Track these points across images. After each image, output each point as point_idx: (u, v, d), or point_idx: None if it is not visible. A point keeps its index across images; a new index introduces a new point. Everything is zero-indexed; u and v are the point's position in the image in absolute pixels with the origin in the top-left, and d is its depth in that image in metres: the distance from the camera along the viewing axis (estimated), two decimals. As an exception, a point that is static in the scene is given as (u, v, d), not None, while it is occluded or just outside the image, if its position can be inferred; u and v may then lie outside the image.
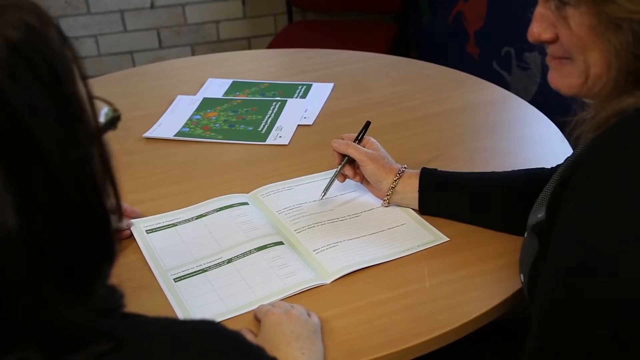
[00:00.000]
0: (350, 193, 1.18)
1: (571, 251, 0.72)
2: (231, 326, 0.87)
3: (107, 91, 0.58)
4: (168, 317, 0.60)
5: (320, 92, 1.58)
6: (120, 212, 0.57)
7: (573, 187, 0.73)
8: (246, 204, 1.16)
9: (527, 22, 0.82)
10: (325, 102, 1.54)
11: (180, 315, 0.92)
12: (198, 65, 1.84)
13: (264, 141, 1.38)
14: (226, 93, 1.61)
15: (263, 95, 1.59)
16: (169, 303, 0.95)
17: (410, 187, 1.10)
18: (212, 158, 1.34)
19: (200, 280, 0.98)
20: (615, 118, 0.73)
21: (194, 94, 1.60)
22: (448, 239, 1.05)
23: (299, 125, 1.44)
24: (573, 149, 1.12)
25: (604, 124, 0.74)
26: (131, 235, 1.09)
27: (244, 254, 1.03)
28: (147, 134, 1.42)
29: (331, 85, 1.61)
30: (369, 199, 1.15)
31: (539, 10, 0.79)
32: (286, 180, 1.22)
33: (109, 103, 0.59)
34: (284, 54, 2.00)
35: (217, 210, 1.14)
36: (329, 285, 0.97)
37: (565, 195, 0.74)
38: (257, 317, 0.90)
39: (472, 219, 1.07)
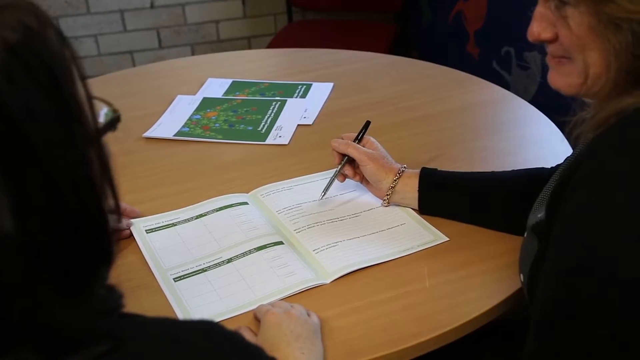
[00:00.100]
0: (350, 193, 1.18)
1: (571, 251, 0.72)
2: (231, 326, 0.87)
3: (106, 91, 0.58)
4: (167, 317, 0.60)
5: (320, 91, 1.58)
6: (119, 214, 0.57)
7: (573, 187, 0.73)
8: (246, 203, 1.16)
9: (527, 21, 0.82)
10: (325, 101, 1.54)
11: (180, 315, 0.92)
12: (198, 65, 1.84)
13: (264, 141, 1.38)
14: (226, 93, 1.61)
15: (263, 95, 1.59)
16: (169, 303, 0.95)
17: (410, 187, 1.10)
18: (212, 158, 1.34)
19: (200, 280, 0.98)
20: (615, 118, 0.73)
21: (194, 94, 1.60)
22: (448, 239, 1.05)
23: (298, 125, 1.44)
24: (573, 149, 1.12)
25: (603, 123, 0.74)
26: (131, 235, 1.09)
27: (244, 254, 1.03)
28: (147, 134, 1.42)
29: (331, 85, 1.61)
30: (368, 198, 1.15)
31: (539, 9, 0.80)
32: (286, 180, 1.22)
33: (108, 104, 0.59)
34: (284, 54, 2.00)
35: (217, 210, 1.14)
36: (328, 285, 0.97)
37: (565, 195, 0.74)
38: (256, 317, 0.90)
39: (472, 219, 1.07)
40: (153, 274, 1.01)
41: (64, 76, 0.50)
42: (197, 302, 0.94)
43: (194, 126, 1.45)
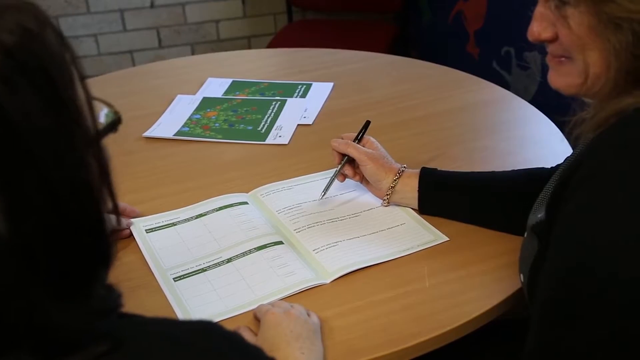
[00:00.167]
0: (349, 193, 1.18)
1: (571, 251, 0.72)
2: (231, 326, 0.87)
3: (106, 91, 0.58)
4: (166, 317, 0.60)
5: (320, 91, 1.58)
6: (118, 216, 0.57)
7: (573, 187, 0.73)
8: (246, 203, 1.16)
9: (527, 21, 0.82)
10: (325, 101, 1.54)
11: (180, 314, 0.92)
12: (198, 64, 1.84)
13: (264, 141, 1.38)
14: (226, 92, 1.60)
15: (263, 94, 1.59)
16: (169, 303, 0.95)
17: (409, 187, 1.10)
18: (212, 157, 1.34)
19: (200, 280, 0.98)
20: (615, 118, 0.73)
21: (194, 94, 1.60)
22: (448, 239, 1.05)
23: (298, 124, 1.44)
24: (573, 149, 1.12)
25: (603, 123, 0.74)
26: (131, 234, 1.09)
27: (244, 254, 1.03)
28: (147, 134, 1.42)
29: (331, 84, 1.61)
30: (368, 198, 1.15)
31: (539, 9, 0.79)
32: (286, 180, 1.22)
33: (109, 105, 0.59)
34: (284, 54, 2.00)
35: (217, 210, 1.14)
36: (328, 284, 0.97)
37: (565, 195, 0.74)
38: (256, 317, 0.90)
39: (472, 219, 1.07)
40: (153, 273, 1.01)
41: (63, 78, 0.50)
42: (197, 301, 0.94)
43: (194, 126, 1.45)
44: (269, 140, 1.38)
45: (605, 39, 0.73)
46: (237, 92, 1.60)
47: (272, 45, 2.78)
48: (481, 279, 0.97)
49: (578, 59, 0.77)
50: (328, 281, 0.97)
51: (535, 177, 1.01)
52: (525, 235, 0.88)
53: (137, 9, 3.05)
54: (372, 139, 1.16)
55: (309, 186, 1.20)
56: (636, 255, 0.67)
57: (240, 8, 3.17)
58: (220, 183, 1.23)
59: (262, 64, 1.85)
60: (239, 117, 1.48)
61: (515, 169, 1.12)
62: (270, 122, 1.45)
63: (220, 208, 1.14)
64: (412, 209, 1.11)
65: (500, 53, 2.38)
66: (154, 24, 3.11)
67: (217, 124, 1.45)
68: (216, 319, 0.91)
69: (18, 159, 0.46)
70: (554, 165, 1.02)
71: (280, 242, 1.05)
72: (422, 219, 1.09)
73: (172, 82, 1.67)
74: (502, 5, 2.40)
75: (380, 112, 1.45)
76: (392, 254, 1.02)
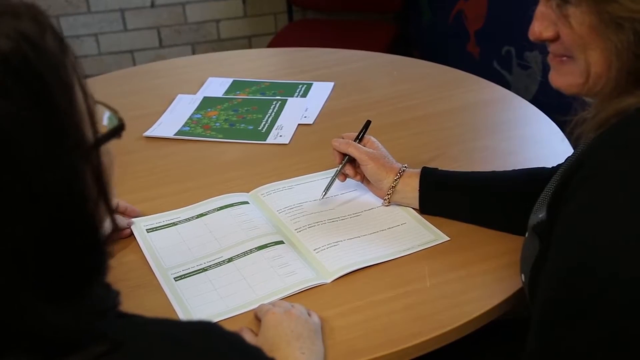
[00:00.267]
0: (350, 192, 1.18)
1: (572, 251, 0.72)
2: (232, 325, 0.87)
3: (107, 90, 0.58)
4: (166, 317, 0.60)
5: (321, 91, 1.58)
6: (114, 221, 0.56)
7: (574, 187, 0.73)
8: (246, 203, 1.16)
9: (528, 21, 0.82)
10: (326, 101, 1.54)
11: (181, 314, 0.92)
12: (198, 64, 1.84)
13: (265, 140, 1.38)
14: (226, 92, 1.60)
15: (263, 94, 1.59)
16: (169, 302, 0.95)
17: (410, 187, 1.10)
18: (213, 157, 1.34)
19: (201, 280, 0.98)
20: (616, 118, 0.73)
21: (195, 93, 1.60)
22: (448, 239, 1.05)
23: (299, 124, 1.44)
24: (574, 149, 1.12)
25: (604, 123, 0.74)
26: (131, 234, 1.09)
27: (245, 253, 1.03)
28: (148, 133, 1.42)
29: (331, 84, 1.61)
30: (369, 198, 1.15)
31: (540, 8, 0.79)
32: (286, 180, 1.22)
33: (113, 111, 0.59)
34: (285, 53, 2.00)
35: (218, 210, 1.14)
36: (329, 284, 0.97)
37: (566, 195, 0.74)
38: (257, 317, 0.90)
39: (473, 219, 1.07)
40: (154, 273, 1.01)
41: (60, 85, 0.49)
42: (197, 301, 0.94)
43: (195, 125, 1.45)
44: (270, 139, 1.38)
45: (606, 38, 0.73)
46: (238, 92, 1.60)
47: (272, 44, 2.78)
48: (482, 278, 0.97)
49: (579, 58, 0.77)
50: (329, 281, 0.97)
51: (536, 177, 1.01)
52: (527, 235, 0.88)
53: (137, 8, 3.05)
54: (372, 138, 1.16)
55: (310, 186, 1.20)
56: (637, 256, 0.67)
57: (241, 8, 3.17)
58: (220, 183, 1.23)
59: (262, 63, 1.85)
60: (240, 117, 1.48)
61: (516, 168, 1.12)
62: (270, 121, 1.45)
63: (221, 208, 1.14)
64: (413, 208, 1.11)
65: (500, 53, 2.38)
66: (155, 23, 3.11)
67: (217, 124, 1.45)
68: (217, 319, 0.91)
69: (6, 165, 0.46)
70: (554, 165, 1.02)
71: (281, 242, 1.05)
72: (423, 219, 1.09)
73: (173, 82, 1.67)
74: (503, 5, 2.40)
75: (381, 112, 1.45)
76: (393, 253, 1.02)
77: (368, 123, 1.19)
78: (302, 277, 0.98)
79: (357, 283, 0.97)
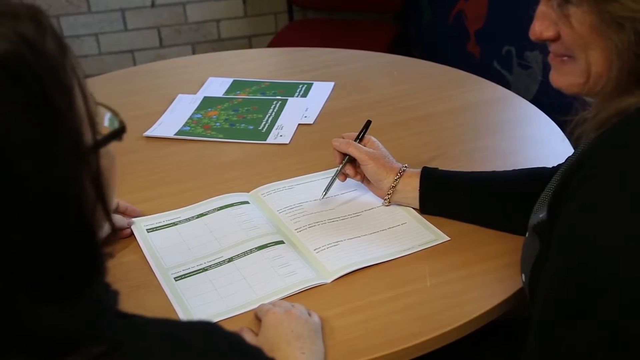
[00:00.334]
0: (351, 192, 1.18)
1: (572, 251, 0.72)
2: (232, 325, 0.87)
3: (107, 90, 0.58)
4: (167, 317, 0.60)
5: (321, 91, 1.58)
6: (112, 225, 0.56)
7: (574, 187, 0.73)
8: (247, 203, 1.16)
9: (528, 21, 0.82)
10: (326, 101, 1.54)
11: (181, 314, 0.92)
12: (199, 64, 1.84)
13: (265, 140, 1.38)
14: (227, 92, 1.60)
15: (264, 94, 1.59)
16: (170, 302, 0.95)
17: (410, 187, 1.10)
18: (213, 157, 1.34)
19: (201, 279, 0.98)
20: (617, 117, 0.73)
21: (195, 93, 1.60)
22: (449, 239, 1.05)
23: (299, 124, 1.44)
24: (574, 148, 1.12)
25: (605, 123, 0.74)
26: (132, 234, 1.09)
27: (245, 253, 1.03)
28: (148, 133, 1.42)
29: (332, 84, 1.61)
30: (369, 198, 1.15)
31: (541, 8, 0.79)
32: (287, 180, 1.22)
33: (114, 113, 0.58)
34: (285, 53, 2.00)
35: (218, 209, 1.14)
36: (329, 284, 0.97)
37: (567, 195, 0.74)
38: (257, 317, 0.90)
39: (473, 219, 1.07)
40: (154, 273, 1.01)
41: (58, 88, 0.49)
42: (198, 301, 0.94)
43: (195, 125, 1.45)
44: (270, 139, 1.38)
45: (607, 38, 0.73)
46: (238, 92, 1.60)
47: (272, 44, 2.78)
48: (482, 278, 0.96)
49: (580, 58, 0.77)
50: (329, 281, 0.97)
51: (536, 176, 1.01)
52: (527, 235, 0.88)
53: (138, 8, 3.05)
54: (373, 138, 1.16)
55: (310, 186, 1.20)
56: (637, 256, 0.67)
57: (241, 7, 3.17)
58: (221, 182, 1.23)
59: (263, 63, 1.85)
60: (240, 117, 1.48)
61: (516, 168, 1.12)
62: (271, 121, 1.45)
63: (221, 207, 1.14)
64: (413, 208, 1.11)
65: (501, 52, 2.38)
66: (155, 23, 3.11)
67: (218, 124, 1.45)
68: (217, 319, 0.91)
69: (1, 167, 0.46)
70: (555, 165, 1.02)
71: (281, 242, 1.05)
72: (423, 219, 1.09)
73: (173, 82, 1.67)
74: (503, 5, 2.40)
75: (381, 112, 1.45)
76: (393, 253, 1.02)
77: (368, 123, 1.19)
78: (302, 277, 0.97)
79: (358, 283, 0.97)
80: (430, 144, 1.33)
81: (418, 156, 1.26)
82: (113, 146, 0.57)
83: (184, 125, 1.45)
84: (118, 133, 0.57)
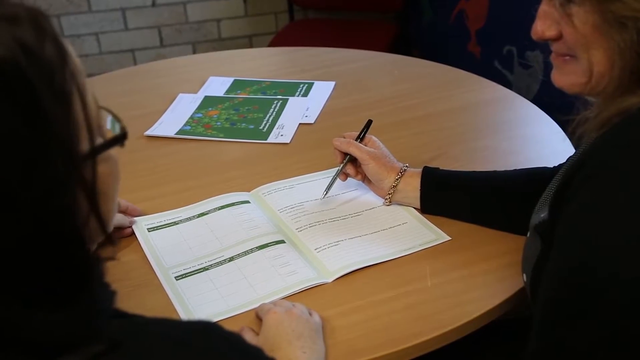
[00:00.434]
0: (351, 192, 1.18)
1: (573, 251, 0.72)
2: (232, 325, 0.87)
3: (108, 89, 0.58)
4: (167, 317, 0.60)
5: (322, 90, 1.58)
6: (110, 238, 0.56)
7: (575, 186, 0.73)
8: (247, 202, 1.15)
9: (529, 20, 0.82)
10: (327, 100, 1.54)
11: (182, 313, 0.92)
12: (199, 63, 1.84)
13: (266, 140, 1.38)
14: (227, 91, 1.60)
15: (264, 93, 1.59)
16: (170, 301, 0.94)
17: (411, 186, 1.10)
18: (214, 156, 1.34)
19: (202, 279, 0.98)
20: (619, 117, 0.73)
21: (195, 92, 1.60)
22: (450, 238, 1.04)
23: (300, 123, 1.44)
24: (575, 148, 1.12)
25: (607, 123, 0.74)
26: (133, 233, 1.09)
27: (246, 253, 1.03)
28: (149, 132, 1.42)
29: (332, 83, 1.61)
30: (370, 197, 1.15)
31: (543, 7, 0.79)
32: (287, 179, 1.22)
33: (117, 119, 0.58)
34: (286, 53, 2.00)
35: (219, 209, 1.14)
36: (330, 284, 0.97)
37: (568, 194, 0.74)
38: (258, 316, 0.90)
39: (474, 218, 1.07)
40: (155, 272, 1.00)
41: (53, 95, 0.48)
42: (198, 300, 0.94)
43: (196, 125, 1.45)
44: (271, 139, 1.38)
45: (609, 37, 0.73)
46: (239, 91, 1.60)
47: (273, 44, 2.78)
48: (483, 278, 0.96)
49: (582, 57, 0.76)
50: (330, 280, 0.97)
51: (537, 176, 1.01)
52: (528, 235, 0.88)
53: (138, 7, 3.05)
54: (374, 138, 1.16)
55: (311, 185, 1.20)
56: (637, 256, 0.66)
57: (242, 7, 3.17)
58: (221, 182, 1.23)
59: (263, 62, 1.85)
60: (241, 116, 1.48)
61: (517, 168, 1.12)
62: (271, 121, 1.45)
63: (222, 207, 1.14)
64: (414, 208, 1.11)
65: (502, 52, 2.38)
66: (156, 22, 3.11)
67: (218, 123, 1.45)
68: (218, 318, 0.91)
69: None
70: (556, 165, 1.02)
71: (282, 241, 1.05)
72: (424, 219, 1.09)
73: (174, 81, 1.67)
74: (504, 4, 2.39)
75: (382, 111, 1.45)
76: (394, 253, 1.02)
77: (369, 122, 1.19)
78: (303, 277, 0.97)
79: (358, 282, 0.97)
80: (431, 143, 1.33)
81: (419, 156, 1.26)
82: (115, 148, 0.57)
83: (185, 125, 1.45)
84: (118, 139, 0.56)
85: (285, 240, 1.06)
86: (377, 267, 1.00)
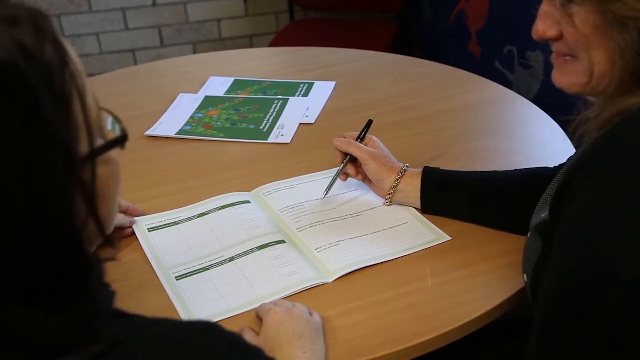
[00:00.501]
0: (352, 192, 1.18)
1: (573, 251, 0.72)
2: (233, 325, 0.88)
3: (108, 89, 0.58)
4: (166, 317, 0.60)
5: (322, 90, 1.58)
6: (109, 240, 0.56)
7: (576, 186, 0.73)
8: (248, 202, 1.15)
9: (529, 20, 0.82)
10: (327, 100, 1.54)
11: (182, 313, 0.92)
12: (200, 63, 1.84)
13: (266, 139, 1.38)
14: (228, 91, 1.60)
15: (265, 93, 1.59)
16: (171, 301, 0.94)
17: (412, 186, 1.10)
18: (214, 156, 1.34)
19: (202, 279, 0.98)
20: (619, 117, 0.73)
21: (196, 92, 1.60)
22: (450, 238, 1.04)
23: (300, 123, 1.44)
24: (576, 148, 1.12)
25: (607, 122, 0.74)
26: (133, 233, 1.09)
27: (246, 253, 1.03)
28: (149, 132, 1.42)
29: (333, 83, 1.61)
30: (370, 197, 1.15)
31: (544, 7, 0.79)
32: (288, 179, 1.22)
33: (117, 120, 0.58)
34: (286, 52, 2.00)
35: (219, 209, 1.14)
36: (330, 284, 0.97)
37: (568, 194, 0.74)
38: (258, 316, 0.90)
39: (474, 218, 1.07)
40: (155, 272, 1.00)
41: (52, 97, 0.48)
42: (198, 300, 0.94)
43: (196, 124, 1.45)
44: (271, 139, 1.38)
45: (610, 37, 0.72)
46: (239, 91, 1.60)
47: (273, 44, 2.78)
48: (483, 278, 0.96)
49: (583, 57, 0.76)
50: (330, 280, 0.97)
51: (537, 176, 1.01)
52: (529, 235, 0.88)
53: (138, 7, 3.05)
54: (374, 137, 1.16)
55: (311, 185, 1.20)
56: (637, 256, 0.66)
57: (242, 7, 3.17)
58: (222, 182, 1.23)
59: (263, 62, 1.85)
60: (241, 116, 1.48)
61: (517, 168, 1.12)
62: (272, 120, 1.45)
63: (222, 207, 1.14)
64: (414, 208, 1.11)
65: (502, 52, 2.38)
66: (156, 22, 3.11)
67: (219, 123, 1.45)
68: (218, 318, 0.91)
69: None
70: (556, 165, 1.02)
71: (282, 241, 1.05)
72: (425, 218, 1.09)
73: (174, 81, 1.67)
74: (504, 4, 2.39)
75: (382, 111, 1.45)
76: (394, 253, 1.02)
77: (369, 122, 1.19)
78: (303, 277, 0.97)
79: (358, 282, 0.97)
80: (432, 143, 1.33)
81: (419, 156, 1.26)
82: (116, 150, 0.57)
83: (185, 125, 1.45)
84: (118, 141, 0.56)
85: (286, 240, 1.05)
86: (378, 267, 1.00)
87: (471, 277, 0.97)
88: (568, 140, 1.25)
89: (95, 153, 0.53)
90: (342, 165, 1.14)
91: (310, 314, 0.89)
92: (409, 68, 1.70)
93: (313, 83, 1.61)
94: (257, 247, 1.04)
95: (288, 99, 1.54)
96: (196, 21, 3.15)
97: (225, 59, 1.86)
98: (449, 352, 0.91)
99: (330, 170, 1.21)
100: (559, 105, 0.96)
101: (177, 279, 0.99)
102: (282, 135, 1.39)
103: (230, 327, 0.60)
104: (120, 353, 0.51)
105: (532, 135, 1.37)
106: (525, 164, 1.15)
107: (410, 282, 0.96)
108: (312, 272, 0.98)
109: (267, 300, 0.93)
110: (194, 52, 3.19)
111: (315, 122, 1.45)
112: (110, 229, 0.59)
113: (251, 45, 3.24)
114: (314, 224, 1.09)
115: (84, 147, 0.51)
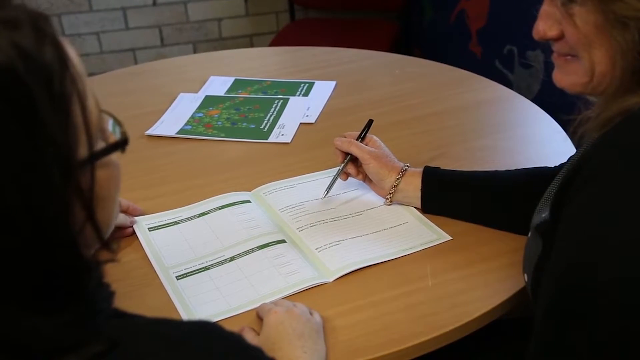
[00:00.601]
0: (352, 191, 1.18)
1: (573, 251, 0.72)
2: (233, 324, 0.88)
3: (109, 89, 0.58)
4: (166, 317, 0.59)
5: (323, 90, 1.58)
6: (107, 245, 0.55)
7: (576, 186, 0.73)
8: (248, 202, 1.15)
9: (530, 20, 0.81)
10: (328, 100, 1.54)
11: (183, 313, 0.92)
12: (200, 62, 1.84)
13: (266, 139, 1.38)
14: (228, 91, 1.60)
15: (265, 93, 1.59)
16: (171, 301, 0.94)
17: (412, 186, 1.10)
18: (214, 156, 1.34)
19: (203, 278, 0.98)
20: (620, 117, 0.73)
21: (196, 92, 1.60)
22: (450, 238, 1.04)
23: (301, 123, 1.44)
24: (576, 148, 1.12)
25: (608, 122, 0.74)
26: (133, 233, 1.09)
27: (246, 252, 1.03)
28: (149, 132, 1.42)
29: (333, 83, 1.61)
30: (371, 197, 1.15)
31: (545, 7, 0.79)
32: (288, 179, 1.22)
33: (118, 123, 0.58)
34: (286, 52, 2.00)
35: (219, 208, 1.14)
36: (331, 283, 0.97)
37: (569, 194, 0.74)
38: (259, 316, 0.90)
39: (475, 218, 1.07)
40: (155, 272, 1.00)
41: (50, 101, 0.48)
42: (199, 300, 0.94)
43: (197, 124, 1.45)
44: (272, 138, 1.38)
45: (611, 37, 0.72)
46: (240, 91, 1.60)
47: (274, 43, 2.78)
48: (484, 278, 0.96)
49: (584, 57, 0.76)
50: (330, 280, 0.97)
51: (537, 176, 1.01)
52: (529, 235, 0.88)
53: (139, 7, 3.05)
54: (375, 137, 1.16)
55: (312, 185, 1.20)
56: (637, 256, 0.66)
57: (243, 6, 3.17)
58: (222, 181, 1.23)
59: (264, 62, 1.85)
60: (242, 116, 1.48)
61: (518, 168, 1.12)
62: (272, 120, 1.45)
63: (223, 206, 1.14)
64: (415, 207, 1.11)
65: (502, 52, 2.38)
66: (156, 22, 3.11)
67: (219, 122, 1.45)
68: (218, 318, 0.91)
69: None
70: (557, 165, 1.02)
71: (283, 241, 1.05)
72: (425, 218, 1.09)
73: (175, 81, 1.67)
74: (504, 4, 2.39)
75: (383, 111, 1.45)
76: (395, 253, 1.02)
77: (370, 122, 1.19)
78: (303, 276, 0.97)
79: (359, 282, 0.97)
80: (432, 143, 1.33)
81: (420, 155, 1.26)
82: (116, 153, 0.56)
83: (186, 124, 1.45)
84: (118, 145, 0.55)
85: (286, 240, 1.06)
86: (378, 266, 1.00)
87: (472, 277, 0.97)
88: (569, 140, 1.25)
89: (95, 157, 0.52)
90: (342, 164, 1.14)
91: (311, 313, 0.89)
92: (410, 68, 1.70)
93: (313, 83, 1.61)
94: (257, 247, 1.04)
95: (289, 98, 1.54)
96: (197, 21, 3.15)
97: (225, 59, 1.86)
98: (449, 352, 0.91)
99: (330, 170, 1.21)
100: (559, 105, 0.96)
101: (177, 279, 0.99)
102: (282, 135, 1.39)
103: (230, 327, 0.60)
104: (120, 353, 0.51)
105: (533, 135, 1.37)
106: (525, 164, 1.15)
107: (411, 282, 0.96)
108: (312, 271, 0.98)
109: (267, 300, 0.93)
110: (195, 51, 3.19)
111: (315, 121, 1.45)
112: (109, 233, 0.58)
113: (252, 45, 3.24)
114: (315, 223, 1.09)
115: (83, 151, 0.51)
